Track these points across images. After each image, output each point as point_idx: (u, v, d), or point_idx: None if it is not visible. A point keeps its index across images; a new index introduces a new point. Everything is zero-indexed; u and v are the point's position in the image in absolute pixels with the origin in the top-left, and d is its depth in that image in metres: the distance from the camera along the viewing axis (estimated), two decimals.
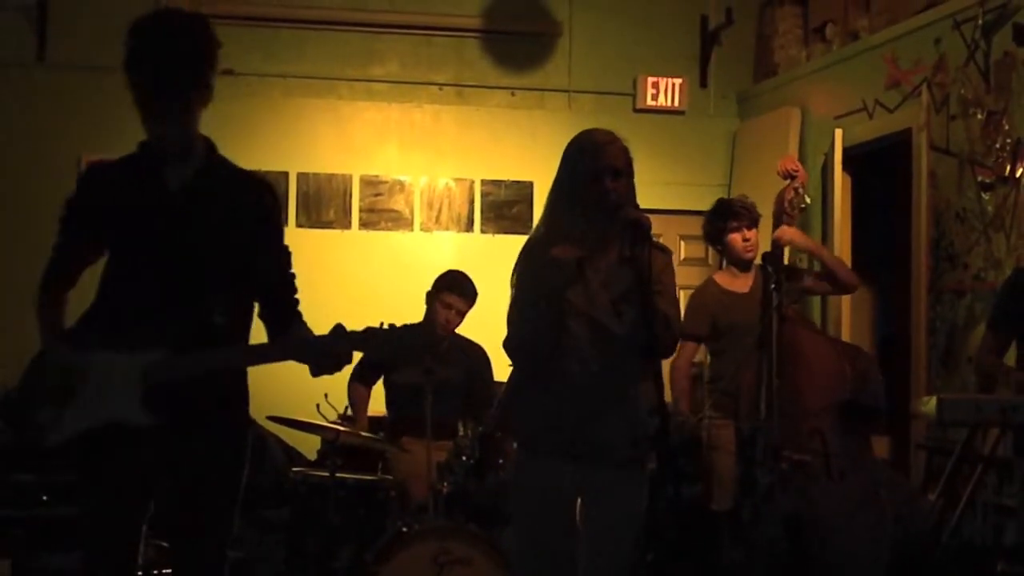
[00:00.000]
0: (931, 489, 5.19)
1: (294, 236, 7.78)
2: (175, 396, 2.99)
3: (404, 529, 4.84)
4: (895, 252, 6.61)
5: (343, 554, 4.99)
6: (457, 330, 5.74)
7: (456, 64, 7.82)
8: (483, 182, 7.72)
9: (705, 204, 7.92)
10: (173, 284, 3.03)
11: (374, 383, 5.82)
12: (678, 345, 5.40)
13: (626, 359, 3.37)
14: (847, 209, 6.79)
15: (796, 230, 5.01)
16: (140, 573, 4.70)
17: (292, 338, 3.14)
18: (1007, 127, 5.48)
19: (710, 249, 7.98)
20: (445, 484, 5.06)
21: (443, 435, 5.28)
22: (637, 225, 3.27)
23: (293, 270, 3.26)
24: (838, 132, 6.66)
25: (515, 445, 4.86)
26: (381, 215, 7.59)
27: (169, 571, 4.49)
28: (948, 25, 5.89)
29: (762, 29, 8.03)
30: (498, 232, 7.67)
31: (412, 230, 7.63)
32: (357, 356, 3.34)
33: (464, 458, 5.11)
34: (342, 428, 5.23)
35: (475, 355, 5.81)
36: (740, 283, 5.45)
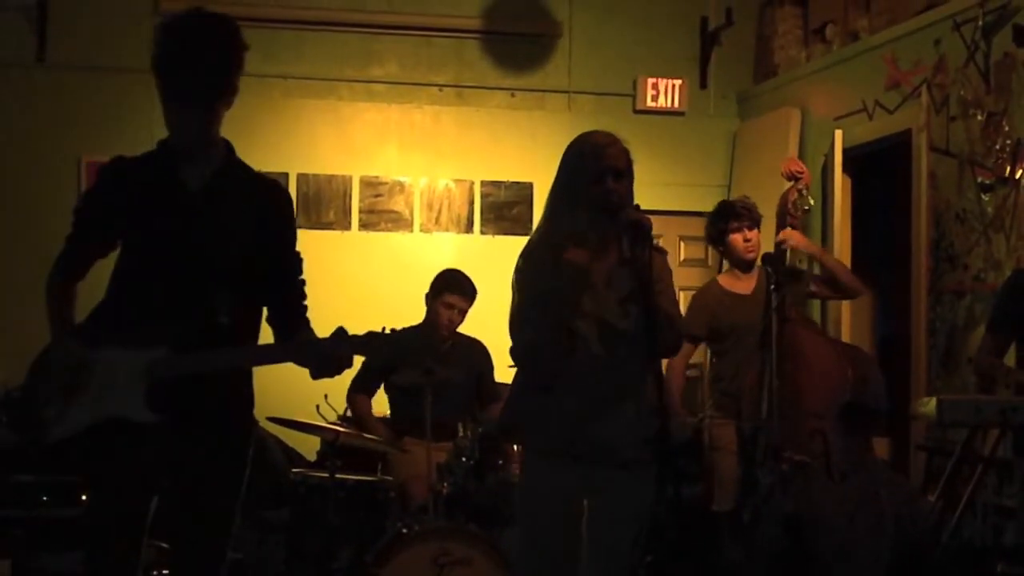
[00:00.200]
0: (931, 490, 5.19)
1: None
2: (178, 394, 3.00)
3: (404, 530, 4.83)
4: (895, 253, 6.61)
5: (343, 555, 4.99)
6: (458, 329, 5.75)
7: (456, 65, 7.82)
8: (483, 183, 7.72)
9: (705, 205, 7.96)
10: (181, 283, 3.05)
11: (376, 391, 5.81)
12: None
13: (633, 359, 3.37)
14: (847, 210, 6.79)
15: (800, 235, 5.01)
16: (140, 573, 4.72)
17: (295, 340, 3.15)
18: (1007, 128, 5.48)
19: (710, 250, 7.99)
20: (445, 485, 5.06)
21: (445, 436, 5.28)
22: (638, 226, 3.28)
23: (304, 276, 3.27)
24: (838, 133, 6.66)
25: (516, 448, 4.93)
26: (381, 216, 7.59)
27: (168, 572, 4.49)
28: (948, 26, 5.89)
29: (762, 30, 8.03)
30: (498, 233, 7.67)
31: (412, 231, 7.62)
32: (357, 362, 3.35)
33: (464, 459, 5.11)
34: (342, 429, 5.23)
35: (478, 352, 5.82)
36: (743, 284, 5.45)
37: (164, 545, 3.26)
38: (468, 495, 5.08)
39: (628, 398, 3.43)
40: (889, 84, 6.39)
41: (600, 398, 3.42)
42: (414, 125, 7.70)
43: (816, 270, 5.56)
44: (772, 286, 4.76)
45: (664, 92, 7.93)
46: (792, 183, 4.97)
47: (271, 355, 3.17)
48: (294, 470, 5.47)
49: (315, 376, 3.12)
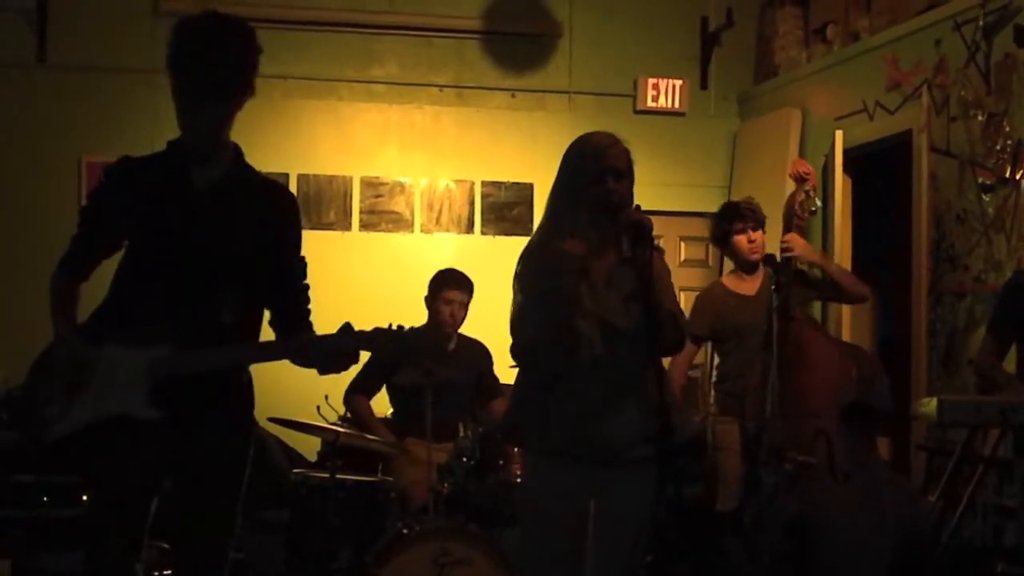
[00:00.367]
0: (931, 490, 5.19)
1: None
2: (180, 393, 3.00)
3: (404, 530, 4.83)
4: (895, 254, 6.61)
5: (343, 555, 4.99)
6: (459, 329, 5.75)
7: (456, 65, 7.82)
8: (483, 183, 7.72)
9: (706, 205, 8.00)
10: (185, 281, 3.07)
11: (375, 392, 5.81)
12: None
13: (635, 359, 3.37)
14: (847, 210, 6.80)
15: (803, 241, 5.01)
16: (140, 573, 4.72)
17: (299, 337, 3.15)
18: (1008, 129, 5.48)
19: (710, 250, 8.01)
20: (445, 485, 5.06)
21: (446, 436, 5.28)
22: (639, 226, 3.28)
23: (308, 281, 3.27)
24: (838, 133, 6.66)
25: (516, 448, 4.93)
26: (381, 216, 7.59)
27: (169, 572, 4.49)
28: (949, 26, 5.89)
29: (763, 30, 8.03)
30: (498, 234, 7.67)
31: (412, 232, 7.62)
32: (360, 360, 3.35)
33: (464, 459, 5.10)
34: (342, 430, 5.23)
35: (478, 352, 5.82)
36: (747, 285, 5.45)
37: (165, 545, 3.26)
38: (468, 495, 5.08)
39: (630, 398, 3.42)
40: (890, 84, 6.39)
41: (602, 398, 3.42)
42: (414, 125, 7.70)
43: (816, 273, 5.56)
44: (773, 287, 4.78)
45: (665, 92, 7.93)
46: (799, 184, 4.98)
47: (274, 352, 3.18)
48: (295, 470, 5.48)
49: (322, 372, 3.13)
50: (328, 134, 7.56)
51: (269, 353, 3.18)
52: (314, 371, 3.16)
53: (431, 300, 5.70)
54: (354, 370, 5.51)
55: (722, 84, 8.13)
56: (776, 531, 4.45)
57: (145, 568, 4.62)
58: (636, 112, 7.93)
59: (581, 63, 7.92)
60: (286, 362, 3.18)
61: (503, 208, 7.73)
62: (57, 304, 3.16)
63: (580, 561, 3.45)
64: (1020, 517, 4.63)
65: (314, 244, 7.76)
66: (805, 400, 4.60)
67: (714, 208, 7.85)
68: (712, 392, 5.66)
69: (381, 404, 5.89)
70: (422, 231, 7.63)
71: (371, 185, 7.59)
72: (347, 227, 7.52)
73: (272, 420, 5.14)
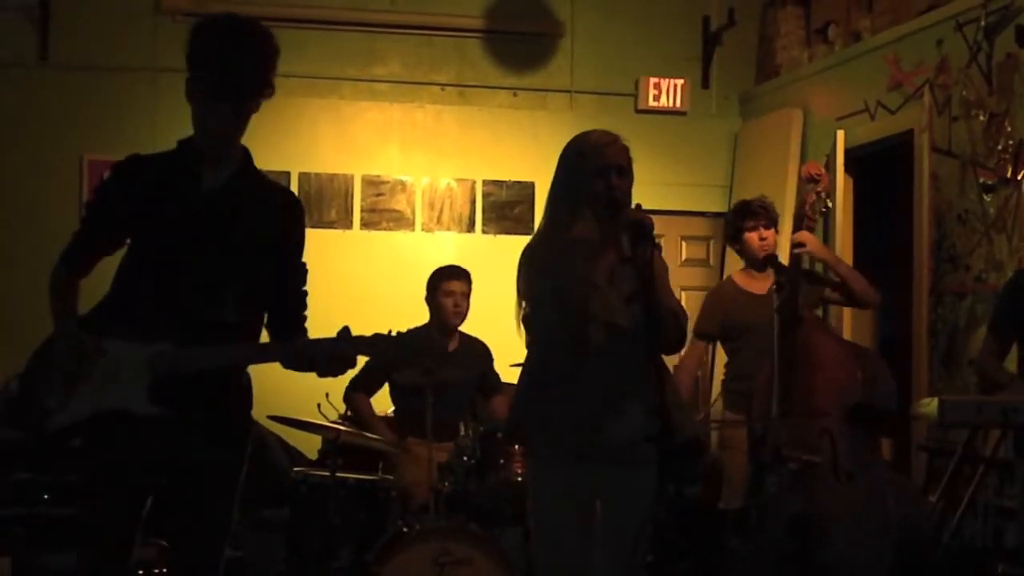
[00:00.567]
0: (932, 490, 5.19)
1: None
2: (179, 390, 3.01)
3: (405, 529, 4.84)
4: (896, 254, 6.60)
5: (343, 554, 4.99)
6: (460, 328, 5.76)
7: (458, 64, 7.82)
8: (485, 182, 7.72)
9: (707, 205, 8.03)
10: (189, 280, 3.07)
11: (376, 390, 5.81)
12: (688, 342, 5.47)
13: (637, 358, 3.36)
14: (849, 210, 6.79)
15: (816, 240, 5.03)
16: (141, 572, 4.73)
17: (295, 340, 3.16)
18: (1009, 129, 5.48)
19: (712, 250, 8.02)
20: (446, 484, 5.06)
21: (448, 435, 5.28)
22: (640, 225, 3.27)
23: (307, 288, 3.27)
24: (840, 133, 6.65)
25: (517, 448, 4.93)
26: (383, 215, 7.59)
27: (167, 570, 4.49)
28: (950, 26, 5.89)
29: (764, 30, 8.03)
30: (499, 232, 7.67)
31: (413, 230, 7.62)
32: (360, 361, 3.35)
33: (465, 458, 5.10)
34: (343, 428, 5.23)
35: (479, 351, 5.82)
36: (758, 284, 5.44)
37: (164, 543, 3.26)
38: (469, 495, 5.08)
39: (631, 397, 3.42)
40: (891, 84, 6.39)
41: (604, 398, 3.42)
42: (416, 124, 7.70)
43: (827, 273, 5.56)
44: (774, 287, 4.79)
45: (666, 92, 7.93)
46: (811, 186, 5.00)
47: (272, 354, 3.19)
48: (295, 469, 5.47)
49: (321, 375, 3.14)
50: (329, 133, 7.56)
51: (268, 354, 3.19)
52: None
53: (431, 296, 5.69)
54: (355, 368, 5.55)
55: (723, 84, 8.12)
56: (779, 530, 4.45)
57: (144, 566, 4.64)
58: (637, 111, 7.93)
59: (583, 62, 7.92)
60: None
61: (504, 207, 7.73)
62: (57, 297, 3.16)
63: (585, 561, 3.45)
64: (1021, 518, 4.62)
65: (315, 242, 7.75)
66: (810, 400, 4.61)
67: (715, 208, 7.96)
68: (720, 390, 5.66)
69: (382, 403, 5.89)
70: (423, 230, 7.63)
71: (372, 184, 7.59)
72: (348, 225, 7.52)
73: (272, 418, 5.15)
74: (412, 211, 7.63)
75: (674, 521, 4.98)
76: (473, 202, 7.71)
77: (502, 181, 7.73)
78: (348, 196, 7.54)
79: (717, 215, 8.01)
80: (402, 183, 7.63)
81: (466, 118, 7.75)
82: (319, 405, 5.57)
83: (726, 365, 5.63)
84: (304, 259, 3.29)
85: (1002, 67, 5.55)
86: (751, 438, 5.01)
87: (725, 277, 5.75)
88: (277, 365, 3.17)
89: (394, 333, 3.09)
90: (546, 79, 7.90)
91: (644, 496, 3.48)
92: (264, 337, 3.26)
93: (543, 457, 3.54)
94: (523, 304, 3.50)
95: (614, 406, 3.43)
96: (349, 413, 5.77)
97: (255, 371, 3.26)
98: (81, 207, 3.24)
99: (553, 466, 3.49)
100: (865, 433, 4.66)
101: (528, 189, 7.69)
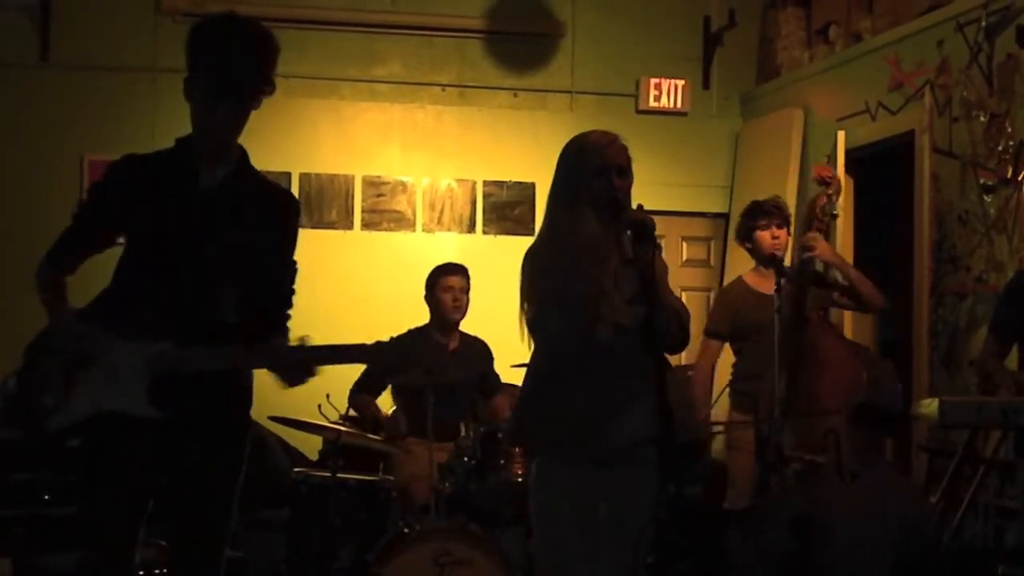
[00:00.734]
0: (932, 491, 5.19)
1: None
2: (179, 390, 3.00)
3: (405, 530, 4.83)
4: (897, 254, 6.60)
5: (344, 554, 4.99)
6: (461, 328, 5.76)
7: (458, 65, 7.82)
8: (485, 183, 7.72)
9: (707, 206, 8.03)
10: (188, 279, 3.07)
11: (381, 391, 5.80)
12: (700, 343, 5.49)
13: (640, 358, 3.36)
14: (849, 211, 6.79)
15: (826, 244, 5.04)
16: (142, 573, 4.72)
17: (268, 345, 3.15)
18: (1010, 129, 5.48)
19: (712, 250, 8.02)
20: (447, 485, 5.06)
21: (449, 436, 5.28)
22: (642, 226, 3.27)
23: (295, 287, 3.27)
24: (841, 134, 6.66)
25: (518, 448, 4.93)
26: (383, 216, 7.59)
27: (168, 570, 4.49)
28: (951, 27, 5.89)
29: (765, 31, 8.03)
30: (500, 233, 7.67)
31: (414, 231, 7.62)
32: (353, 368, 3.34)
33: (466, 459, 5.10)
34: (344, 428, 5.23)
35: (480, 351, 5.82)
36: (768, 284, 5.42)
37: (163, 543, 3.26)
38: (469, 495, 5.08)
39: (636, 397, 3.42)
40: (892, 85, 6.39)
41: (608, 398, 3.42)
42: (416, 125, 7.70)
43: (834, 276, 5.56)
44: (775, 288, 4.80)
45: (667, 92, 7.93)
46: (823, 188, 5.01)
47: (266, 358, 3.17)
48: (296, 469, 5.47)
49: (283, 382, 3.13)
50: (330, 133, 7.56)
51: (264, 358, 3.17)
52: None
53: (430, 294, 5.69)
54: (357, 369, 5.55)
55: (724, 84, 8.12)
56: (781, 529, 4.46)
57: (144, 566, 4.64)
58: (638, 112, 7.93)
59: (583, 63, 7.92)
60: None
61: (505, 207, 7.72)
62: (46, 289, 3.16)
63: (587, 561, 3.45)
64: (1021, 518, 4.62)
65: (316, 243, 7.81)
66: (816, 400, 4.63)
67: (716, 208, 7.97)
68: (722, 391, 5.66)
69: (383, 403, 5.88)
70: (424, 230, 7.62)
71: (373, 184, 7.59)
72: (349, 226, 7.52)
73: (273, 419, 5.14)
74: (413, 212, 7.63)
75: (674, 521, 4.97)
76: (474, 203, 7.71)
77: (503, 182, 7.73)
78: (349, 197, 7.54)
79: (718, 216, 8.02)
80: (403, 184, 7.63)
81: (467, 119, 7.75)
82: (319, 406, 5.57)
83: (733, 366, 5.64)
84: (296, 259, 3.28)
85: (1003, 68, 5.55)
86: (758, 439, 5.02)
87: (735, 277, 5.75)
88: None
89: (386, 340, 3.08)
90: (546, 80, 7.90)
91: (646, 496, 3.47)
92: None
93: (545, 457, 3.54)
94: (526, 306, 3.49)
95: (617, 407, 3.42)
96: (352, 413, 5.77)
97: (256, 371, 3.26)
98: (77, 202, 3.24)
99: (555, 466, 3.49)
100: (870, 434, 4.66)
101: (529, 190, 7.69)
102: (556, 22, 7.88)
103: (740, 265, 6.21)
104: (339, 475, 5.00)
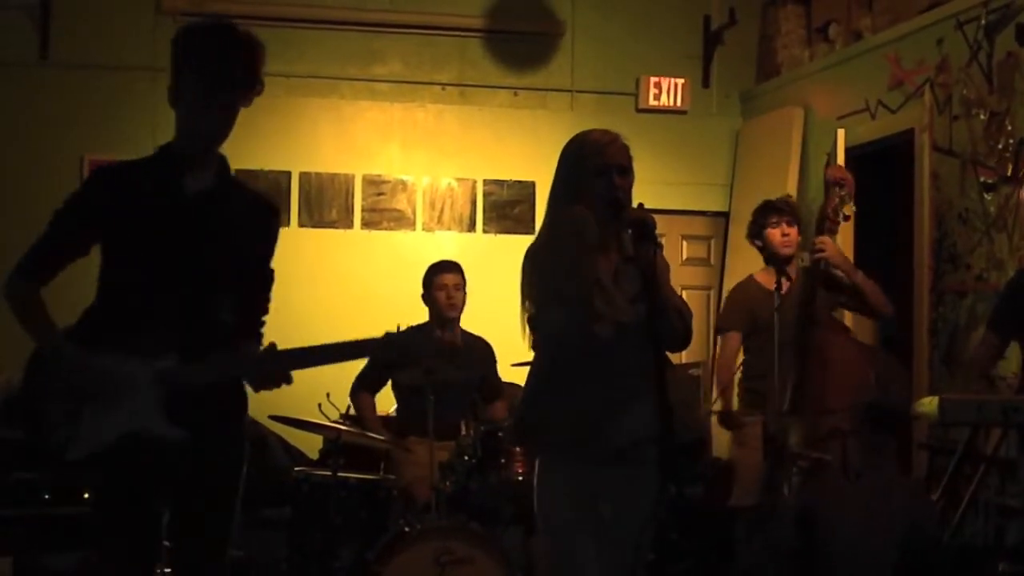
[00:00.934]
0: (933, 489, 5.19)
1: (296, 236, 7.79)
2: (193, 405, 2.99)
3: (406, 528, 4.84)
4: (897, 252, 6.60)
5: (345, 553, 4.99)
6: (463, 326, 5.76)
7: (459, 64, 7.82)
8: (485, 182, 7.72)
9: (708, 204, 8.03)
10: (184, 287, 3.05)
11: (379, 389, 5.81)
12: (719, 339, 5.57)
13: (643, 357, 3.36)
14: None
15: (836, 247, 5.05)
16: None
17: (240, 351, 3.15)
18: (1010, 128, 5.48)
19: (712, 249, 8.02)
20: (447, 483, 5.06)
21: (450, 435, 5.28)
22: (643, 224, 3.27)
23: (270, 295, 3.27)
24: (841, 132, 6.64)
25: (519, 448, 4.93)
26: (383, 215, 7.59)
27: (170, 570, 4.49)
28: (951, 25, 5.89)
29: (765, 29, 8.02)
30: (500, 232, 7.67)
31: (414, 230, 7.62)
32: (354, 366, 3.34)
33: (466, 458, 5.11)
34: (344, 427, 5.23)
35: (482, 351, 5.82)
36: None
37: (166, 543, 3.26)
38: (470, 494, 5.08)
39: (638, 396, 3.42)
40: (892, 83, 6.39)
41: (610, 397, 3.42)
42: (417, 124, 7.70)
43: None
44: (775, 285, 4.80)
45: (667, 91, 7.93)
46: (836, 189, 5.01)
47: (266, 362, 3.16)
48: (296, 468, 5.47)
49: (255, 388, 3.14)
50: (330, 132, 7.56)
51: (264, 363, 3.16)
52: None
53: (427, 293, 5.70)
54: (359, 365, 5.55)
55: (724, 83, 8.12)
56: (786, 526, 4.47)
57: None
58: (638, 111, 7.93)
59: (583, 61, 7.92)
60: None
61: (505, 206, 7.72)
62: (25, 310, 3.08)
63: (590, 559, 3.45)
64: (1022, 516, 4.62)
65: (316, 242, 7.81)
66: (823, 399, 4.64)
67: (716, 207, 7.97)
68: (736, 388, 5.66)
69: (385, 402, 5.89)
70: (424, 229, 7.62)
71: (373, 183, 7.59)
72: (349, 225, 7.52)
73: (273, 418, 5.15)
74: (413, 211, 7.63)
75: (675, 521, 4.99)
76: (474, 202, 7.70)
77: (503, 180, 7.73)
78: (349, 196, 7.54)
79: (718, 214, 8.03)
80: (403, 183, 7.63)
81: (467, 117, 7.75)
82: (320, 405, 5.57)
83: (743, 363, 5.64)
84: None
85: (1002, 66, 5.55)
86: (766, 436, 5.02)
87: (746, 276, 5.75)
88: None
89: (386, 333, 3.08)
90: (547, 78, 7.90)
91: (646, 496, 3.47)
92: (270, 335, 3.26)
93: (546, 456, 3.54)
94: (527, 305, 3.50)
95: (618, 406, 3.42)
96: (352, 411, 5.77)
97: None
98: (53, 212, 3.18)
99: (557, 465, 3.49)
100: (877, 434, 4.67)
101: (529, 188, 7.69)
102: (556, 21, 7.88)
103: (740, 264, 6.22)
104: (340, 474, 5.00)
